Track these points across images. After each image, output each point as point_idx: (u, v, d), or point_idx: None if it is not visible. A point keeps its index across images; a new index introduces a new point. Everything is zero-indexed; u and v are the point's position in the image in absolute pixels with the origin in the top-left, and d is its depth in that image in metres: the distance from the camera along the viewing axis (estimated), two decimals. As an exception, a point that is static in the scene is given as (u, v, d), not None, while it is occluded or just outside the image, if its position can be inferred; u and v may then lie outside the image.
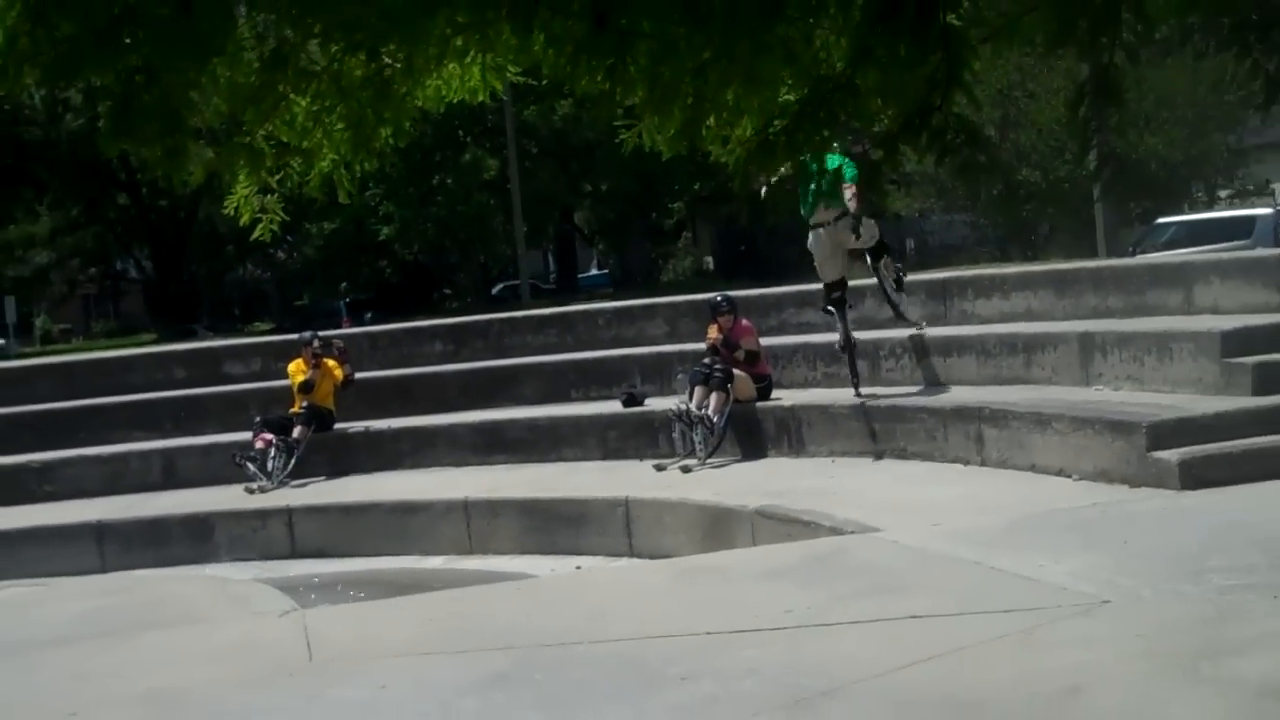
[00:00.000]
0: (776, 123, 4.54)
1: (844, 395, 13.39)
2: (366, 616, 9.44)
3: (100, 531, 14.11)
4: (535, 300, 38.81)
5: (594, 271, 65.15)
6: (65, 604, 11.40)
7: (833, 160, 11.84)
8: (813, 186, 12.49)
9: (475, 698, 6.77)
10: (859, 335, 14.40)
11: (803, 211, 12.86)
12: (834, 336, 14.61)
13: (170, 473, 15.57)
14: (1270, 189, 39.40)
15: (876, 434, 12.52)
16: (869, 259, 13.80)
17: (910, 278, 14.58)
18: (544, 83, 4.61)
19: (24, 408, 16.82)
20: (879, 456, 12.40)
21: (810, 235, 13.11)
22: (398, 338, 18.17)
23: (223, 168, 5.02)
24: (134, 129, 4.54)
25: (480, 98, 5.23)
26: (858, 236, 12.77)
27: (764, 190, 6.92)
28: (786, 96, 4.69)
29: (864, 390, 13.22)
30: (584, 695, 6.58)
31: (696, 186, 48.50)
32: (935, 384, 13.16)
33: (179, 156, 4.73)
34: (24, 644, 9.57)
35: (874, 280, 14.49)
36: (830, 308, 13.29)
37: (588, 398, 15.47)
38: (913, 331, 13.88)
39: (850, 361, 13.28)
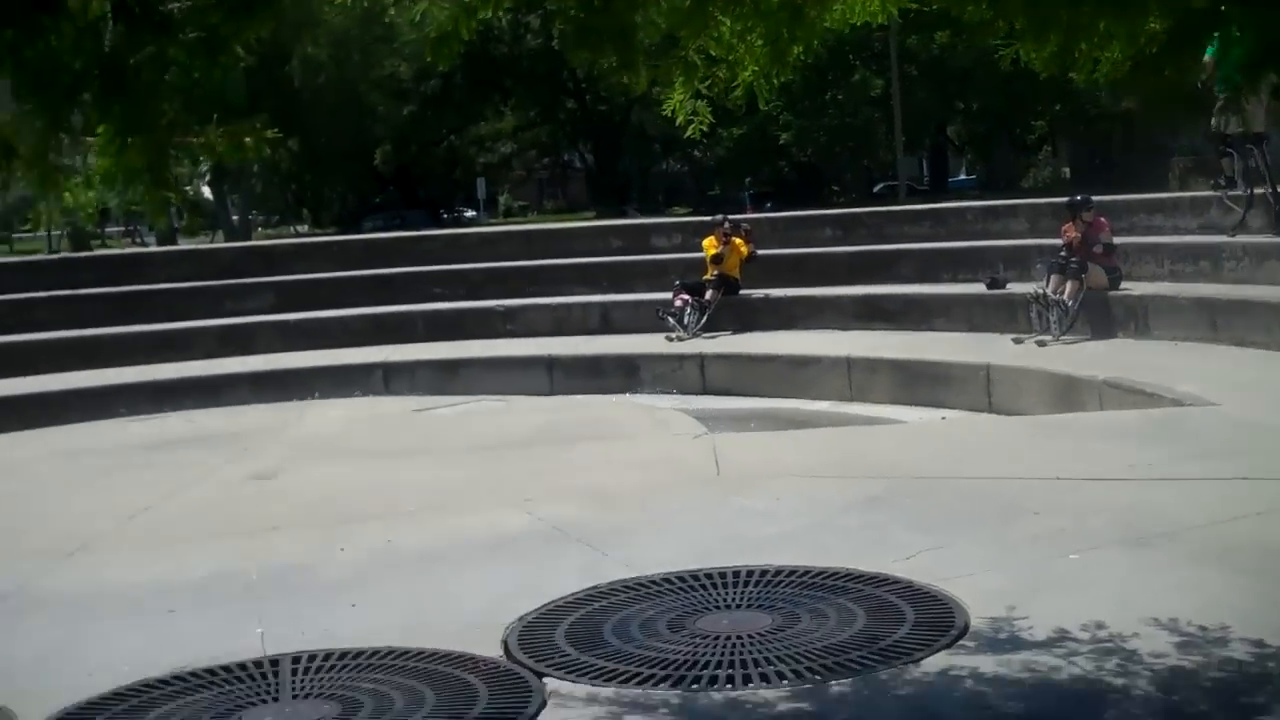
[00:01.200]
0: (1147, 48, 4.32)
1: (1188, 289, 12.72)
2: (764, 443, 9.58)
3: (550, 363, 14.71)
4: (910, 198, 38.08)
5: (961, 176, 63.59)
6: (524, 416, 11.97)
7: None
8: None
9: (856, 514, 6.82)
10: (1203, 239, 13.66)
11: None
12: (1180, 239, 13.92)
13: (606, 320, 16.06)
14: None
15: (1217, 324, 11.84)
16: (1252, 147, 13.18)
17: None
18: (933, 8, 4.55)
19: (492, 264, 17.59)
20: (1218, 343, 11.74)
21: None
22: (793, 223, 18.13)
23: (661, 78, 5.11)
24: (591, 44, 4.64)
25: (879, 20, 5.18)
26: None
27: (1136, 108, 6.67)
28: (1153, 25, 4.47)
29: (1206, 287, 12.56)
30: (948, 519, 6.54)
31: (1057, 107, 46.78)
32: (1273, 283, 12.33)
33: (631, 66, 4.82)
34: (492, 445, 10.14)
35: (1209, 193, 13.80)
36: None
37: (955, 280, 15.12)
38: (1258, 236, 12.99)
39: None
